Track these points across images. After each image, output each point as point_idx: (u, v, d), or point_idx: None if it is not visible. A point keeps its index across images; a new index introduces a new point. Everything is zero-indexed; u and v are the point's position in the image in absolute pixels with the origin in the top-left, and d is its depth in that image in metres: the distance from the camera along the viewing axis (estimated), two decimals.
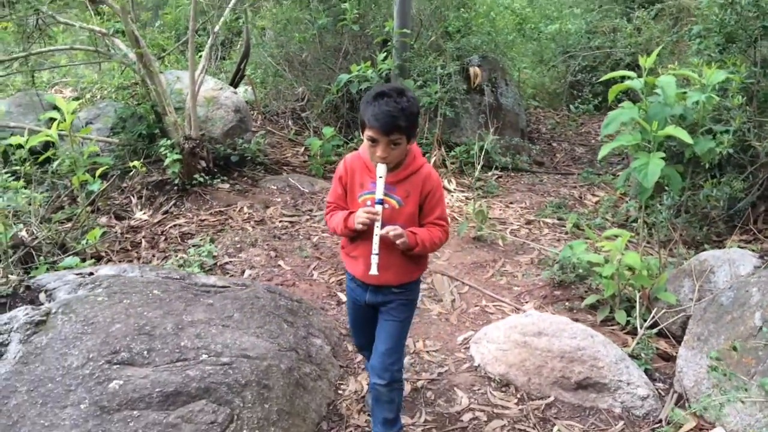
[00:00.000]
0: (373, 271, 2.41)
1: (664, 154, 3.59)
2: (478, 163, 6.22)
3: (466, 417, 3.00)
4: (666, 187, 4.60)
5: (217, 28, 5.93)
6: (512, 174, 6.84)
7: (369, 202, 2.45)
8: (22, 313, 2.90)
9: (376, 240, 2.40)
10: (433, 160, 6.32)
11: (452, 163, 6.56)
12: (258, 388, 2.70)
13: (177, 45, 7.81)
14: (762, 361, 2.85)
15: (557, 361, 3.18)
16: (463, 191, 6.09)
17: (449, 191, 6.09)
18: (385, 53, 6.32)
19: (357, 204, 2.50)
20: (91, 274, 3.30)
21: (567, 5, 10.51)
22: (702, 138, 3.82)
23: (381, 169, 2.38)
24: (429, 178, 2.48)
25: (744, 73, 4.57)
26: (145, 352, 2.67)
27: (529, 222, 5.47)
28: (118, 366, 2.60)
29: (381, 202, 2.40)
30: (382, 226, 2.40)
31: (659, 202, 4.85)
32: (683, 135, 3.49)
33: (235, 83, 7.30)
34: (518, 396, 3.15)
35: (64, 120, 4.24)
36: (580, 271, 4.16)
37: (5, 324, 2.87)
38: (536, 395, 3.16)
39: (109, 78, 6.92)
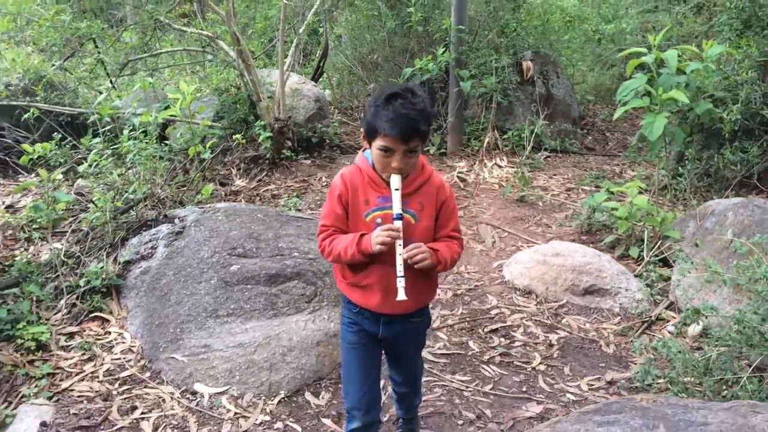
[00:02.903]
0: (401, 296, 2.06)
1: (668, 113, 4.34)
2: (529, 144, 7.02)
3: (494, 312, 3.86)
4: (685, 153, 5.30)
5: (301, 30, 7.03)
6: (560, 155, 7.57)
7: (379, 220, 2.13)
8: (165, 227, 4.01)
9: (399, 261, 2.06)
10: (486, 141, 7.16)
11: (505, 145, 7.36)
12: None
13: (266, 48, 9.02)
14: (730, 265, 3.55)
15: (569, 273, 3.98)
16: (512, 167, 6.89)
17: (500, 167, 6.90)
18: (444, 48, 7.23)
19: (362, 224, 2.16)
20: (211, 207, 4.36)
21: (624, 6, 11.11)
22: (702, 102, 4.53)
23: (396, 181, 2.08)
24: (442, 187, 2.22)
25: (755, 53, 5.22)
26: (254, 249, 3.68)
27: (568, 189, 6.23)
28: (236, 257, 3.62)
29: (400, 217, 2.08)
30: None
31: (683, 167, 5.53)
32: (681, 96, 4.23)
33: (315, 78, 8.41)
34: (537, 300, 3.98)
35: (185, 100, 5.39)
36: (603, 217, 4.90)
37: (154, 234, 3.98)
38: (552, 299, 3.97)
39: (209, 80, 8.18)
